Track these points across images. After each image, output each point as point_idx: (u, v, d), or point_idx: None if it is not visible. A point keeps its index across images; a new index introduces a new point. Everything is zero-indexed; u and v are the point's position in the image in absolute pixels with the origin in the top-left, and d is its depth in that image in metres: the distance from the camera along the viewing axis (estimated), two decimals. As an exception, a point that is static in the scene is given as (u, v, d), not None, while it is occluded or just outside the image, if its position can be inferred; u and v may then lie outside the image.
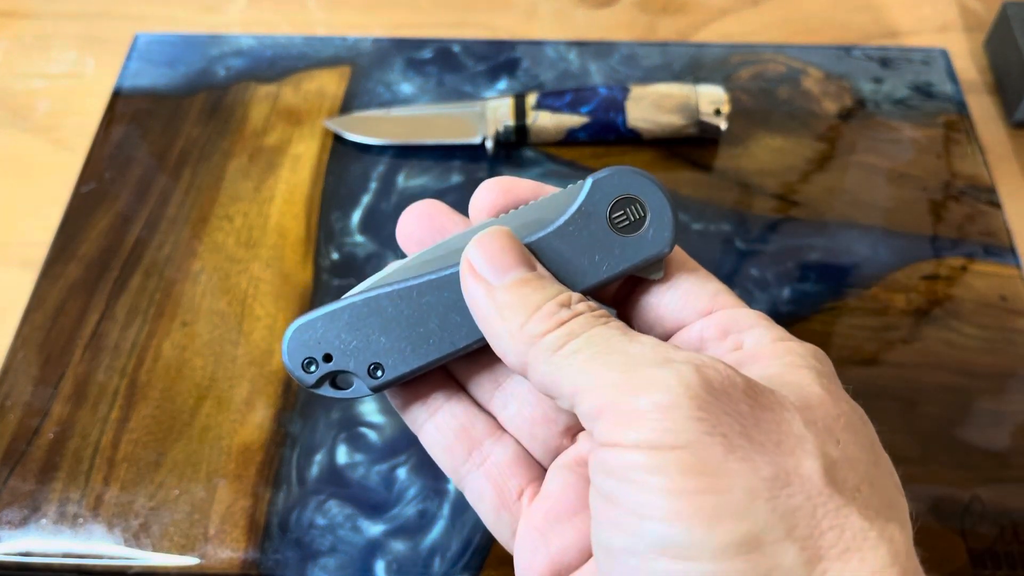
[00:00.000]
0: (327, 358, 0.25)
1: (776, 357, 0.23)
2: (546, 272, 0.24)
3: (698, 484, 0.18)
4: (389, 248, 0.47)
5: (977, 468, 0.39)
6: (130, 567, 0.37)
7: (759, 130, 0.52)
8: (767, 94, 0.54)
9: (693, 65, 0.56)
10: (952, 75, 0.55)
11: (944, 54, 0.56)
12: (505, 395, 0.27)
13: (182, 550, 0.37)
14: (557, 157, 0.51)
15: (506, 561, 0.37)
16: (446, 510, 0.38)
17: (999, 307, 0.45)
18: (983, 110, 0.55)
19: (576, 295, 0.23)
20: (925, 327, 0.44)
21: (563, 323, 0.22)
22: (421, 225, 0.27)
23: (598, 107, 0.50)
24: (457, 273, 0.24)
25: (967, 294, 0.45)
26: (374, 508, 0.38)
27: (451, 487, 0.39)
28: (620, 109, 0.50)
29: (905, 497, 0.21)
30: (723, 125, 0.50)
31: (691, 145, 0.51)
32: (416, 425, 0.27)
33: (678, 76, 0.55)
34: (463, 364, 0.27)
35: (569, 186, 0.25)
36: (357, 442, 0.40)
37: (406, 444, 0.40)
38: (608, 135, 0.51)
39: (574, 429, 0.26)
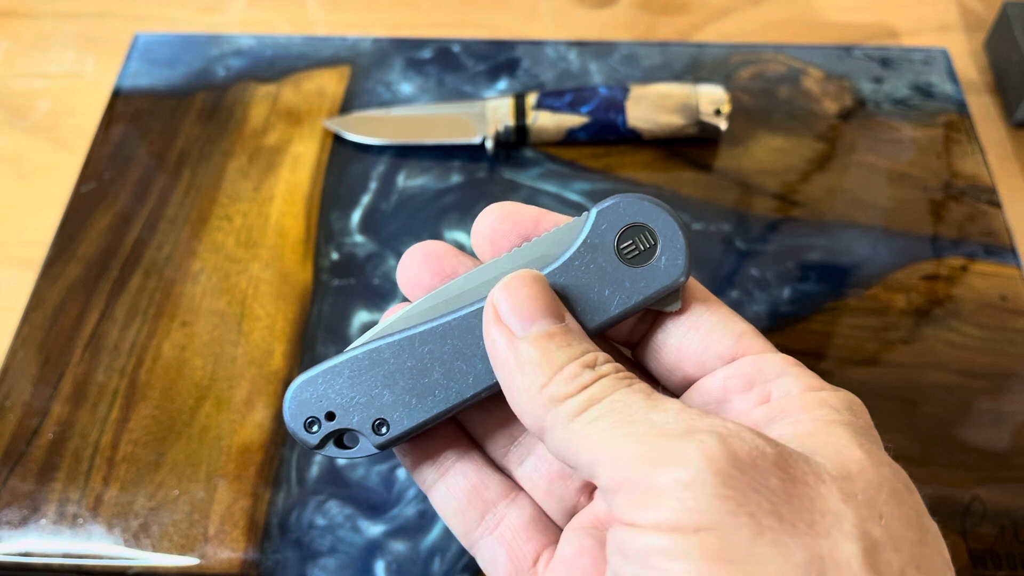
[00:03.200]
0: (330, 416, 0.24)
1: (807, 411, 0.21)
2: (575, 324, 0.22)
3: (723, 572, 0.17)
4: (389, 248, 0.47)
5: (977, 468, 0.39)
6: (130, 567, 0.37)
7: (759, 130, 0.52)
8: (767, 94, 0.54)
9: (693, 65, 0.56)
10: (952, 75, 0.55)
11: (944, 54, 0.56)
12: (521, 450, 0.25)
13: (182, 550, 0.37)
14: (557, 157, 0.51)
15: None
16: (446, 510, 0.38)
17: (999, 307, 0.45)
18: (983, 110, 0.55)
19: (603, 355, 0.21)
20: (925, 327, 0.44)
21: (585, 387, 0.20)
22: (428, 268, 0.25)
23: (598, 107, 0.50)
24: (460, 319, 0.23)
25: (967, 294, 0.45)
26: (374, 508, 0.38)
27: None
28: (620, 109, 0.50)
29: (954, 571, 0.19)
30: (723, 125, 0.50)
31: (691, 145, 0.51)
32: (426, 485, 0.25)
33: (678, 76, 0.55)
34: (476, 417, 0.26)
35: (574, 219, 0.24)
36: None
37: (406, 444, 0.40)
38: (608, 135, 0.51)
39: (591, 486, 0.25)
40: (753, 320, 0.40)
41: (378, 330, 0.24)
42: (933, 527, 0.19)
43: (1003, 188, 0.50)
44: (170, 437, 0.40)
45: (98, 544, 0.37)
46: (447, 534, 0.38)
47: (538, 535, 0.24)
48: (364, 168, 0.50)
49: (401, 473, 0.39)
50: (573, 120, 0.50)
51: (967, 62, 0.58)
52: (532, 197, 0.49)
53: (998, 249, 0.47)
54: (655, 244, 0.23)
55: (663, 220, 0.23)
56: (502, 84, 0.55)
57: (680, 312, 0.23)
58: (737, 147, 0.51)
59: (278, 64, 0.56)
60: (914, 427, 0.41)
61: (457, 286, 0.24)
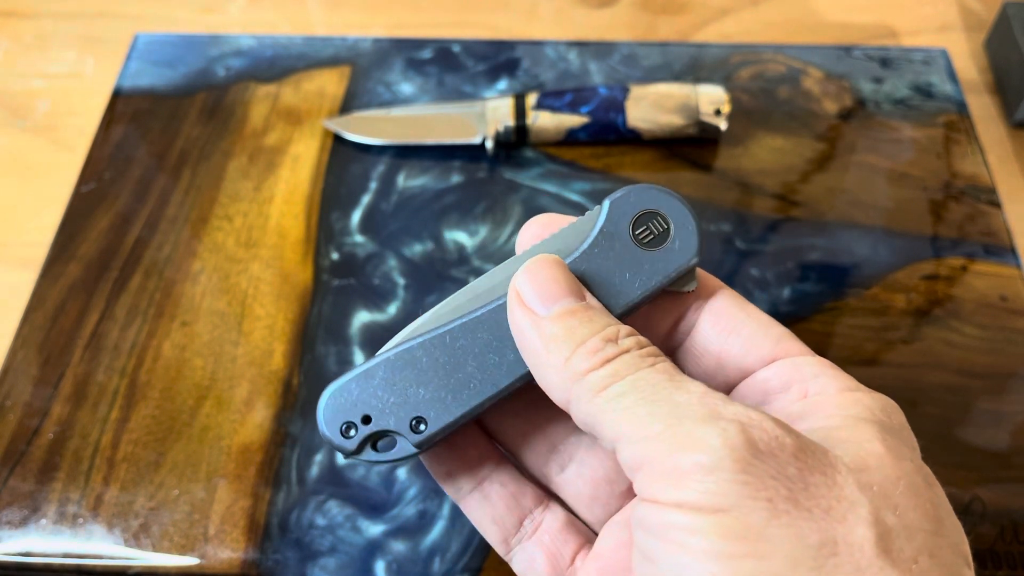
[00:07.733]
0: (366, 420, 0.24)
1: (838, 408, 0.21)
2: (596, 303, 0.23)
3: (738, 548, 0.17)
4: (389, 248, 0.47)
5: (977, 468, 0.39)
6: (130, 567, 0.37)
7: (759, 130, 0.52)
8: (767, 94, 0.54)
9: (693, 65, 0.56)
10: (952, 75, 0.55)
11: (944, 54, 0.56)
12: (562, 457, 0.26)
13: (182, 550, 0.37)
14: (557, 157, 0.51)
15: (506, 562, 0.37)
16: (446, 510, 0.38)
17: (999, 307, 0.45)
18: (983, 110, 0.55)
19: (625, 328, 0.22)
20: (925, 327, 0.44)
21: (608, 360, 0.21)
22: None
23: (598, 107, 0.50)
24: (489, 313, 0.24)
25: (967, 294, 0.45)
26: (374, 508, 0.38)
27: (451, 487, 0.39)
28: (620, 109, 0.50)
29: (972, 567, 0.19)
30: (723, 125, 0.50)
31: (691, 145, 0.51)
32: (460, 495, 0.26)
33: (678, 76, 0.55)
34: (513, 426, 0.26)
35: (588, 213, 0.25)
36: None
37: (406, 444, 0.40)
38: (608, 135, 0.51)
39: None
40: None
41: (406, 333, 0.25)
42: (952, 521, 0.20)
43: (1003, 188, 0.50)
44: (170, 437, 0.40)
45: (98, 544, 0.37)
46: (447, 534, 0.38)
47: (574, 537, 0.25)
48: (364, 168, 0.50)
49: (401, 473, 0.39)
50: (573, 120, 0.50)
51: (967, 62, 0.58)
52: (532, 197, 0.49)
53: (998, 249, 0.47)
54: (668, 228, 0.24)
55: (673, 205, 0.25)
56: (502, 84, 0.55)
57: (720, 318, 0.24)
58: (737, 147, 0.51)
59: (278, 64, 0.56)
60: (914, 427, 0.40)
61: (481, 283, 0.25)
